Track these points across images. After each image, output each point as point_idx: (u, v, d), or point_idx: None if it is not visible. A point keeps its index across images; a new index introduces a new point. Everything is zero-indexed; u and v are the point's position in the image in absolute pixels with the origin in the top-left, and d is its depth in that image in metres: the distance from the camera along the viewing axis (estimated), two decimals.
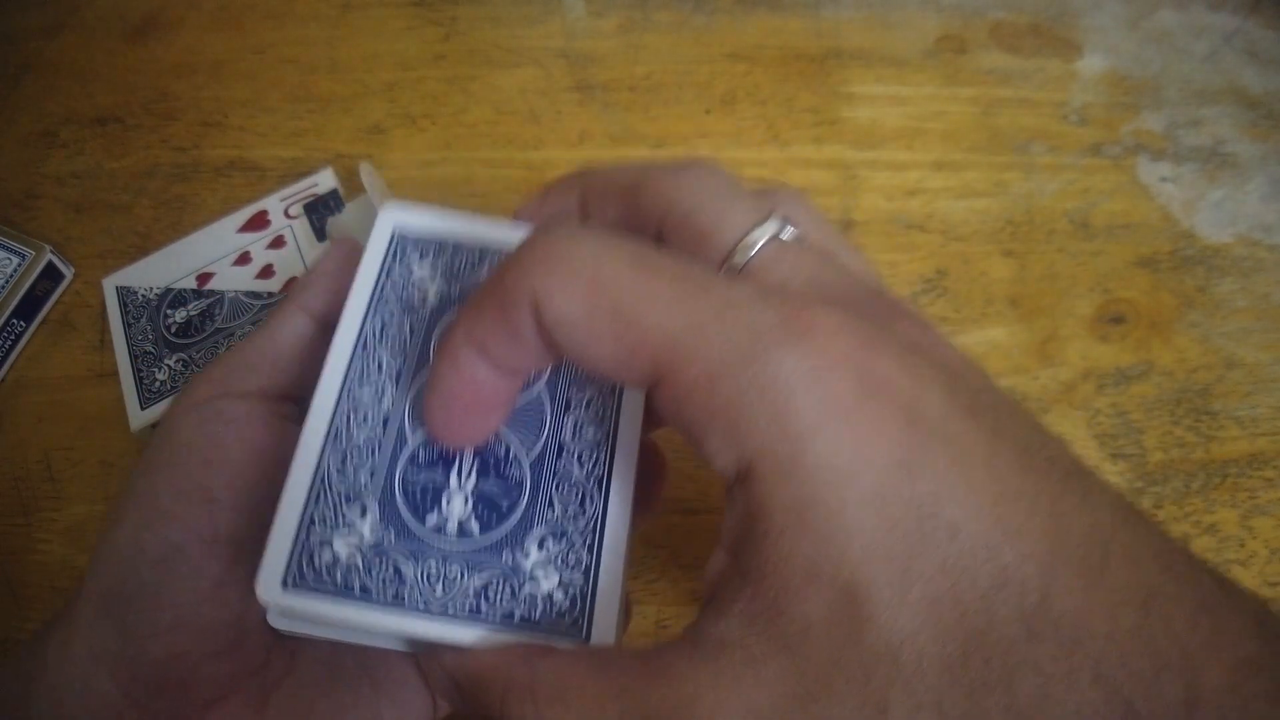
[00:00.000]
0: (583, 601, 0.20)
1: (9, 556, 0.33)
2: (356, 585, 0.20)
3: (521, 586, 0.20)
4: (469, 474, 0.21)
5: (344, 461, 0.21)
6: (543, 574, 0.20)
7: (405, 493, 0.21)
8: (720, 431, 0.16)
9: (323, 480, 0.20)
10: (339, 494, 0.20)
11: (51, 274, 0.39)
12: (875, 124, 0.44)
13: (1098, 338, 0.38)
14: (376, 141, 0.43)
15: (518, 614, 0.20)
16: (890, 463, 0.15)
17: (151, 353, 0.35)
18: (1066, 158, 0.43)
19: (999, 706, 0.14)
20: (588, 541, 0.21)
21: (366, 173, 0.39)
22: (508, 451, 0.22)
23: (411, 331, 0.23)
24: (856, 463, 0.15)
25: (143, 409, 0.34)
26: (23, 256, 0.38)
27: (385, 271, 0.23)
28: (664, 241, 0.21)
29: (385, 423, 0.21)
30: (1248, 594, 0.16)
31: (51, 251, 0.38)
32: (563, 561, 0.20)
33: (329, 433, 0.21)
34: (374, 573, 0.20)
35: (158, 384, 0.34)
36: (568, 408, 0.22)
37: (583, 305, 0.16)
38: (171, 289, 0.37)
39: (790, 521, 0.15)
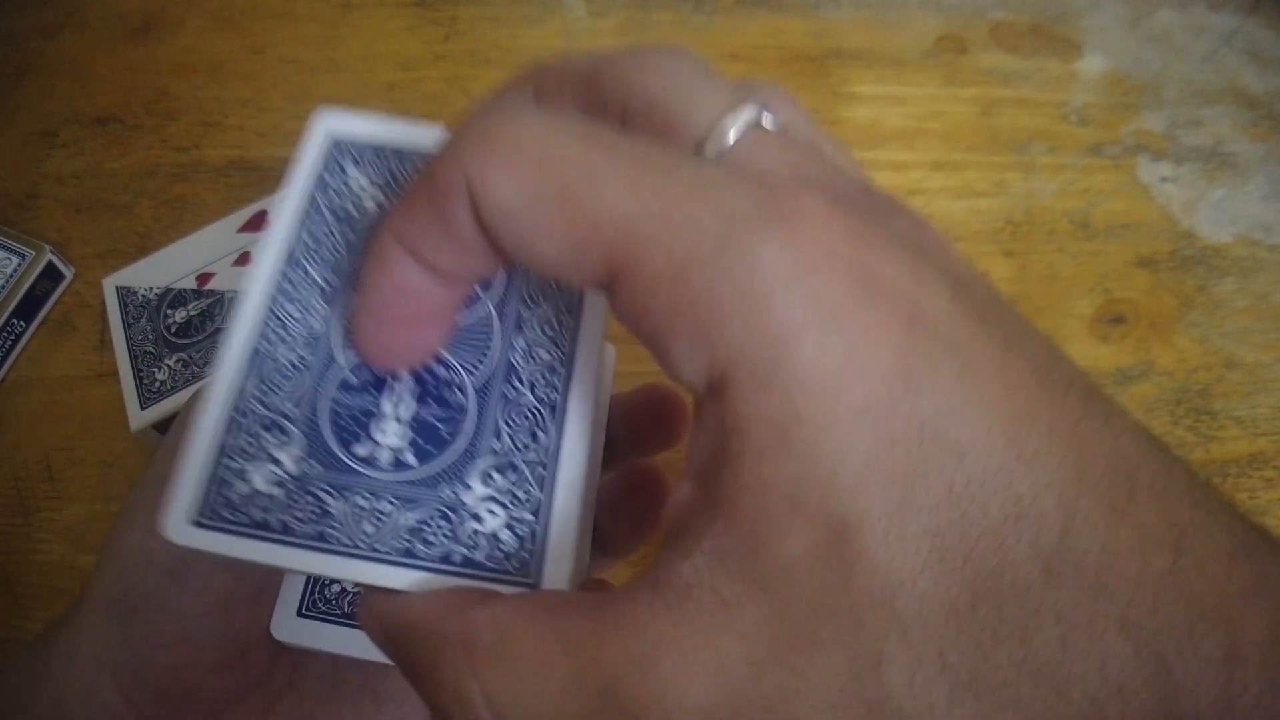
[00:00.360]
0: (533, 542, 0.18)
1: (9, 556, 0.33)
2: (275, 521, 0.17)
3: (462, 524, 0.18)
4: (405, 399, 0.19)
5: (265, 385, 0.18)
6: (487, 511, 0.18)
7: (333, 420, 0.18)
8: (688, 334, 0.13)
9: (240, 406, 0.18)
10: (259, 420, 0.18)
11: (51, 274, 0.39)
12: (875, 124, 0.44)
13: (1098, 338, 0.38)
14: None
15: (458, 555, 0.18)
16: (888, 371, 0.13)
17: (151, 353, 0.35)
18: (1066, 158, 0.43)
19: (1012, 660, 0.12)
20: (539, 476, 0.18)
21: None
22: (450, 375, 0.19)
23: (348, 246, 0.20)
24: (849, 371, 0.13)
25: (143, 409, 0.34)
26: (23, 256, 0.38)
27: (318, 180, 0.21)
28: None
29: (314, 343, 0.19)
30: None
31: (51, 251, 0.38)
32: (511, 498, 0.18)
33: (249, 354, 0.19)
34: (295, 508, 0.17)
35: (158, 384, 0.34)
36: (519, 327, 0.20)
37: (526, 189, 0.14)
38: (171, 289, 0.37)
39: (770, 440, 0.13)
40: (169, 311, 0.36)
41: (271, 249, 0.20)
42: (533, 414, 0.19)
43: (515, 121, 0.15)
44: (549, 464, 0.18)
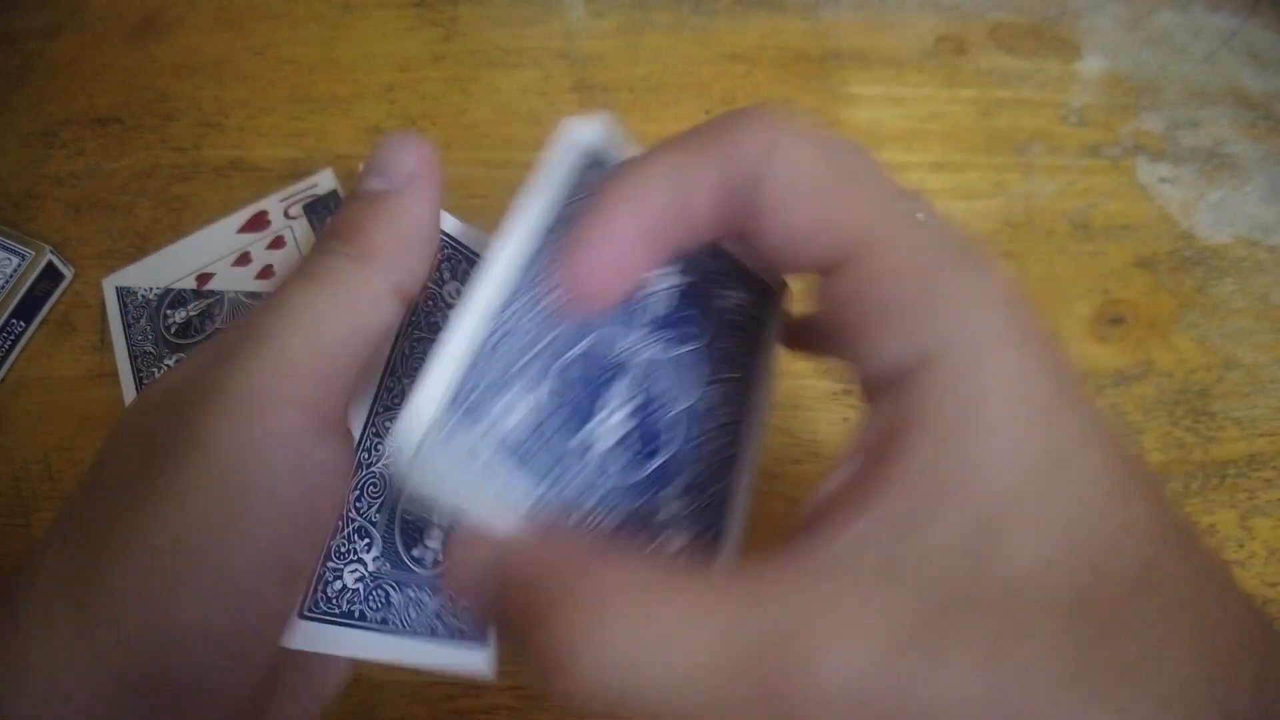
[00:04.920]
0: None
1: (9, 557, 0.33)
2: (356, 612, 0.20)
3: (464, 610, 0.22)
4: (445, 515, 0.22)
5: (361, 494, 0.21)
6: None
7: (402, 526, 0.22)
8: (898, 323, 0.16)
9: (341, 513, 0.21)
10: (354, 527, 0.21)
11: (51, 274, 0.39)
12: (874, 125, 0.44)
13: (1097, 338, 0.38)
14: (376, 142, 0.43)
15: (467, 630, 0.21)
16: (1049, 397, 0.15)
17: (151, 353, 0.35)
18: (1066, 158, 0.44)
19: (1109, 657, 0.14)
20: None
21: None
22: None
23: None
24: (1023, 388, 0.15)
25: None
26: (23, 256, 0.38)
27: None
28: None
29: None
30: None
31: (51, 251, 0.38)
32: None
33: (351, 464, 0.21)
34: (370, 600, 0.21)
35: None
36: None
37: (819, 159, 0.16)
38: (171, 289, 0.37)
39: (949, 429, 0.15)
40: (169, 312, 0.36)
41: (376, 360, 0.21)
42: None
43: (798, 118, 0.17)
44: None
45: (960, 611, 0.14)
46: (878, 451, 0.15)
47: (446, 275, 0.22)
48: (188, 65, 0.46)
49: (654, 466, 0.19)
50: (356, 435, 0.21)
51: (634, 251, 0.17)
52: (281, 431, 0.17)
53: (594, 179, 0.19)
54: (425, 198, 0.20)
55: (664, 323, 0.20)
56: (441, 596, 0.21)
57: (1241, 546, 0.33)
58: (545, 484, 0.18)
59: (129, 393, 0.34)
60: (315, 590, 0.20)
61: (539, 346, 0.18)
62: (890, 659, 0.13)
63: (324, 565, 0.20)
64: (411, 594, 0.21)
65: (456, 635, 0.21)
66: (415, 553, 0.21)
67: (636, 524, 0.19)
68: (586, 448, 0.18)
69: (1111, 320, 0.39)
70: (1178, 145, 0.44)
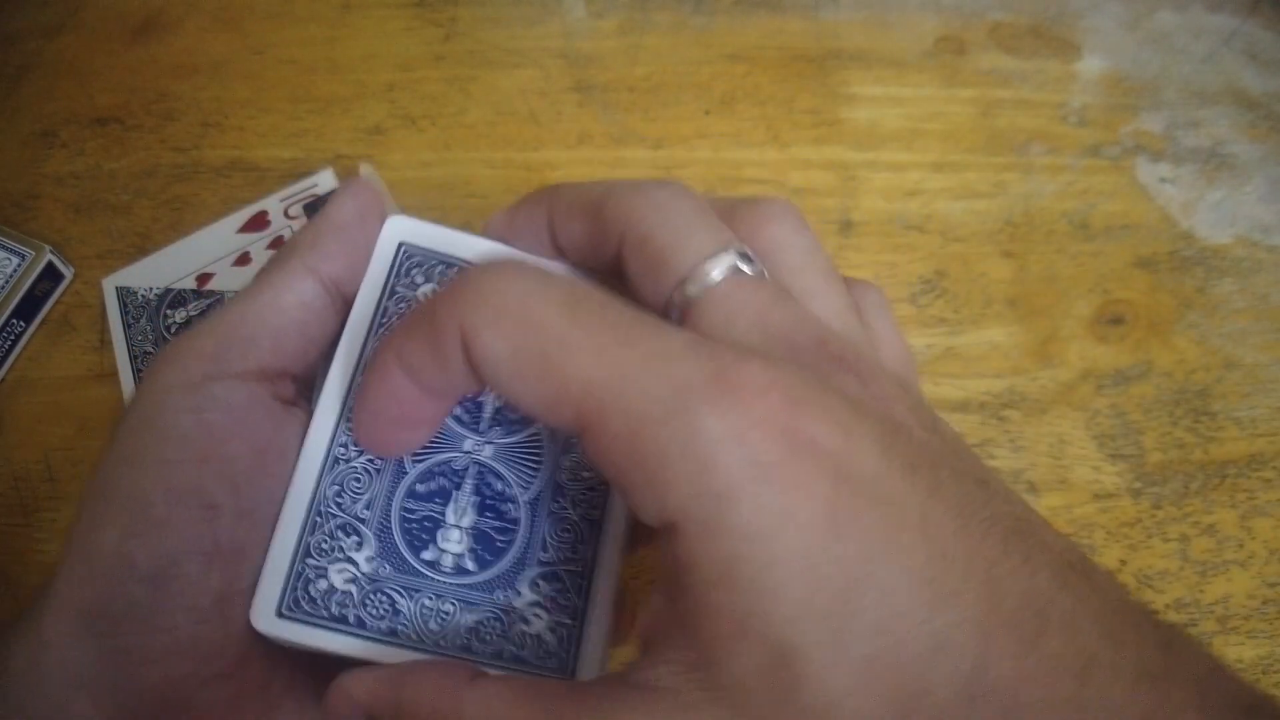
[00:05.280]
0: (571, 643, 0.20)
1: (9, 556, 0.33)
2: (351, 616, 0.20)
3: (513, 626, 0.20)
4: (466, 510, 0.21)
5: (342, 489, 0.21)
6: (534, 614, 0.20)
7: (403, 525, 0.21)
8: (643, 486, 0.16)
9: (319, 507, 0.20)
10: (336, 523, 0.20)
11: (51, 274, 0.39)
12: (875, 125, 0.44)
13: (1097, 338, 0.38)
14: (376, 142, 0.43)
15: (509, 653, 0.20)
16: (816, 521, 0.15)
17: (151, 353, 0.35)
18: (1065, 158, 0.44)
19: None
20: (578, 585, 0.21)
21: (367, 174, 0.39)
22: (505, 489, 0.21)
23: None
24: (782, 521, 0.15)
25: None
26: (23, 256, 0.38)
27: (388, 289, 0.22)
28: (622, 262, 0.21)
29: None
30: (1198, 654, 0.15)
31: (51, 252, 0.38)
32: (554, 603, 0.21)
33: (326, 457, 0.21)
34: (369, 605, 0.20)
35: None
36: (568, 448, 0.22)
37: (509, 345, 0.16)
38: (171, 289, 0.37)
39: (717, 577, 0.15)
40: (169, 312, 0.36)
41: (348, 359, 0.22)
42: (576, 528, 0.21)
43: (508, 279, 0.17)
44: (586, 574, 0.21)
45: None
46: (671, 594, 0.16)
47: (420, 279, 0.22)
48: (188, 65, 0.46)
49: (505, 561, 0.21)
50: (330, 430, 0.21)
51: (416, 404, 0.19)
52: (181, 375, 0.20)
53: (417, 271, 0.22)
54: (348, 200, 0.23)
55: (502, 414, 0.22)
56: (485, 612, 0.20)
57: (1241, 547, 0.33)
58: (401, 613, 0.20)
59: (129, 393, 0.34)
60: (295, 588, 0.19)
61: (376, 483, 0.21)
62: None
63: (303, 562, 0.20)
64: (429, 603, 0.20)
65: (510, 661, 0.20)
66: (426, 555, 0.20)
67: (496, 617, 0.20)
68: (434, 561, 0.20)
69: (1111, 320, 0.39)
70: (1178, 145, 0.44)
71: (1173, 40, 0.48)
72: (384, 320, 0.22)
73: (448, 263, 0.23)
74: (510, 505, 0.21)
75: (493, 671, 0.19)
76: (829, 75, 0.46)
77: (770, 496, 0.15)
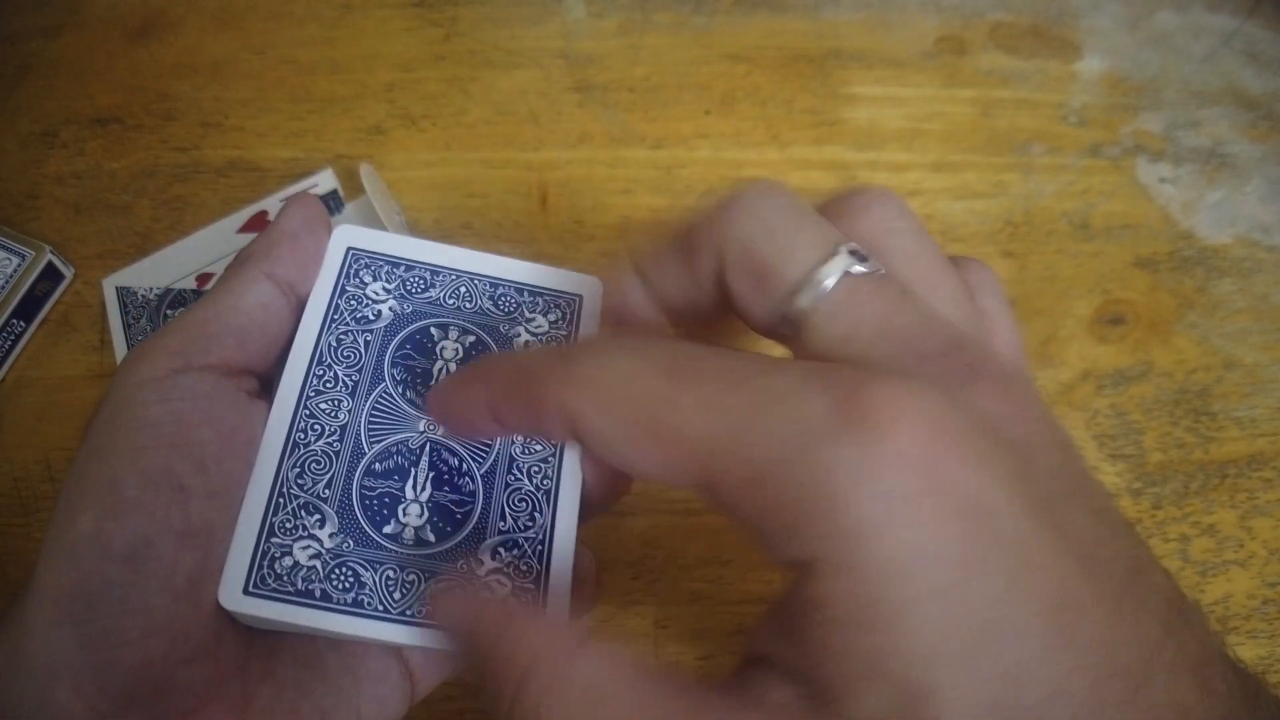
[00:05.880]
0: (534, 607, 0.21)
1: (9, 556, 0.33)
2: (317, 590, 0.20)
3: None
4: (424, 485, 0.22)
5: (302, 471, 0.21)
6: (496, 582, 0.21)
7: (363, 502, 0.21)
8: (775, 530, 0.15)
9: (282, 489, 0.21)
10: (298, 503, 0.21)
11: (51, 274, 0.39)
12: (875, 125, 0.44)
13: (1097, 338, 0.38)
14: (376, 142, 0.43)
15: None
16: (951, 560, 0.14)
17: None
18: (1065, 158, 0.44)
19: None
20: (538, 551, 0.22)
21: (367, 174, 0.39)
22: (460, 463, 0.23)
23: (366, 346, 0.23)
24: (918, 561, 0.14)
25: None
26: (23, 256, 0.38)
27: (339, 289, 0.24)
28: (726, 287, 0.20)
29: (342, 433, 0.22)
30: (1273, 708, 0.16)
31: (51, 252, 0.38)
32: (515, 570, 0.21)
33: (287, 442, 0.22)
34: (334, 578, 0.20)
35: None
36: None
37: (619, 423, 0.17)
38: (171, 289, 0.37)
39: (852, 616, 0.15)
40: (169, 312, 0.36)
41: (302, 351, 0.23)
42: (530, 498, 0.22)
43: (602, 361, 0.17)
44: (546, 541, 0.22)
45: None
46: (796, 630, 0.16)
47: (368, 279, 0.24)
48: (188, 65, 0.46)
49: (464, 531, 0.22)
50: (289, 417, 0.22)
51: (496, 432, 0.21)
52: (150, 370, 0.20)
53: (365, 272, 0.24)
54: (296, 211, 0.24)
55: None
56: (443, 581, 0.21)
57: (1241, 547, 0.33)
58: (365, 585, 0.20)
59: None
60: (260, 566, 0.20)
61: (335, 464, 0.22)
62: None
63: (268, 541, 0.20)
64: (392, 574, 0.21)
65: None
66: (388, 530, 0.21)
67: (460, 582, 0.21)
68: (396, 535, 0.21)
69: (1111, 320, 0.39)
70: (1178, 145, 0.44)
71: (1173, 40, 0.48)
72: (335, 316, 0.24)
73: (393, 263, 0.25)
74: (466, 479, 0.22)
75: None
76: (829, 75, 0.46)
77: (906, 534, 0.14)
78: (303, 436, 0.22)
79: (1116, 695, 0.14)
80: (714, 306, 0.21)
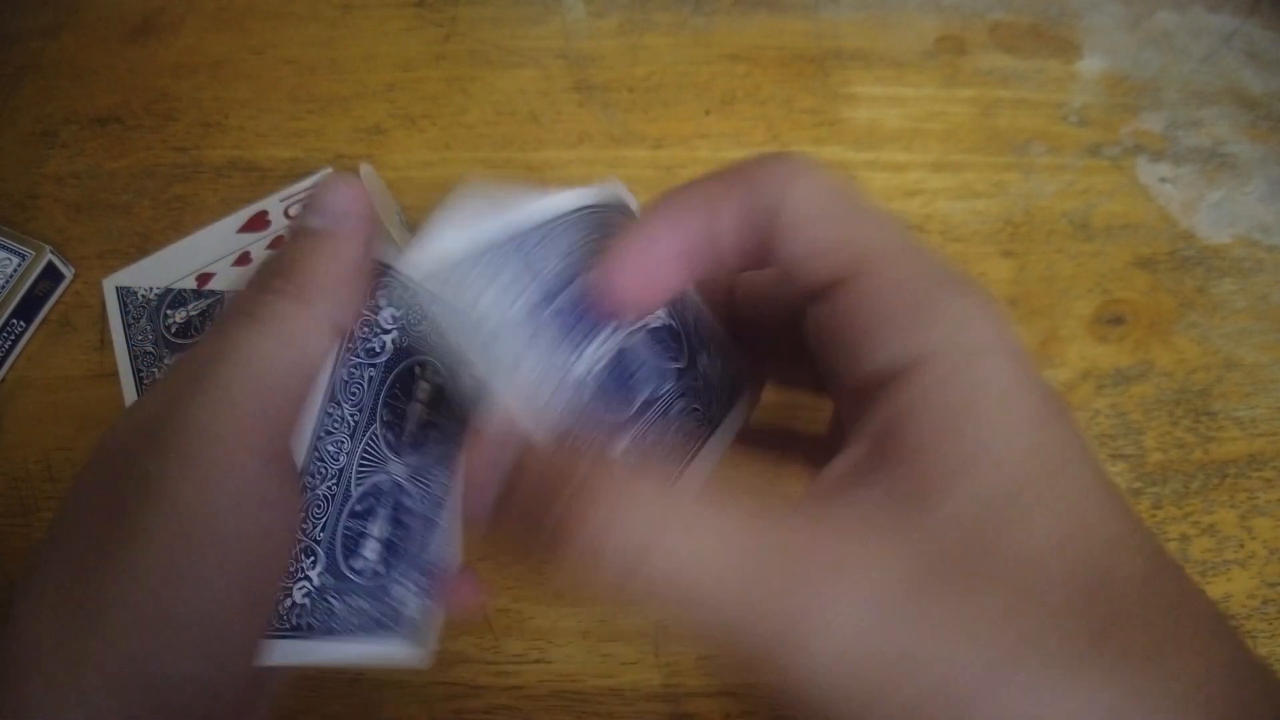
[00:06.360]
0: (426, 618, 0.24)
1: (9, 556, 0.33)
2: (303, 624, 0.22)
3: (403, 609, 0.23)
4: (382, 523, 0.23)
5: (307, 515, 0.22)
6: (410, 600, 0.24)
7: (342, 541, 0.23)
8: (898, 326, 0.17)
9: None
10: (300, 548, 0.22)
11: (51, 274, 0.39)
12: (875, 125, 0.44)
13: (1097, 338, 0.38)
14: (376, 142, 0.43)
15: (390, 628, 0.23)
16: (1038, 407, 0.16)
17: (151, 353, 0.35)
18: (1066, 158, 0.44)
19: (1123, 644, 0.14)
20: (431, 573, 0.24)
21: (367, 174, 0.39)
22: (412, 505, 0.24)
23: (369, 383, 0.23)
24: (1015, 393, 0.16)
25: None
26: (23, 256, 0.38)
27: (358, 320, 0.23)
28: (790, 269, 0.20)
29: (340, 476, 0.22)
30: None
31: (51, 251, 0.38)
32: (418, 590, 0.24)
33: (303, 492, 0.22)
34: (316, 612, 0.22)
35: None
36: (456, 468, 0.24)
37: (826, 198, 0.18)
38: (171, 289, 0.37)
39: (951, 418, 0.16)
40: (169, 312, 0.36)
41: (319, 389, 0.22)
42: (441, 532, 0.24)
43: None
44: (435, 564, 0.24)
45: (967, 580, 0.15)
46: (883, 437, 0.17)
47: (383, 302, 0.23)
48: (188, 65, 0.46)
49: (401, 563, 0.23)
50: (300, 460, 0.21)
51: (669, 267, 0.19)
52: (231, 470, 0.18)
53: (379, 286, 0.23)
54: (358, 235, 0.22)
55: (420, 433, 0.24)
56: (383, 603, 0.23)
57: (1242, 547, 0.33)
58: (335, 614, 0.22)
59: (129, 393, 0.34)
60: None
61: (330, 508, 0.22)
62: (900, 602, 0.15)
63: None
64: (353, 602, 0.22)
65: (397, 632, 0.23)
66: (354, 564, 0.23)
67: (391, 606, 0.23)
68: (360, 570, 0.23)
69: (1111, 320, 0.39)
70: (1178, 145, 0.44)
71: (1173, 40, 0.48)
72: (350, 345, 0.23)
73: (404, 286, 0.23)
74: (411, 517, 0.24)
75: (372, 648, 0.22)
76: (829, 75, 0.46)
77: (1011, 367, 0.16)
78: (310, 480, 0.22)
79: (1160, 567, 0.16)
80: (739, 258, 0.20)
